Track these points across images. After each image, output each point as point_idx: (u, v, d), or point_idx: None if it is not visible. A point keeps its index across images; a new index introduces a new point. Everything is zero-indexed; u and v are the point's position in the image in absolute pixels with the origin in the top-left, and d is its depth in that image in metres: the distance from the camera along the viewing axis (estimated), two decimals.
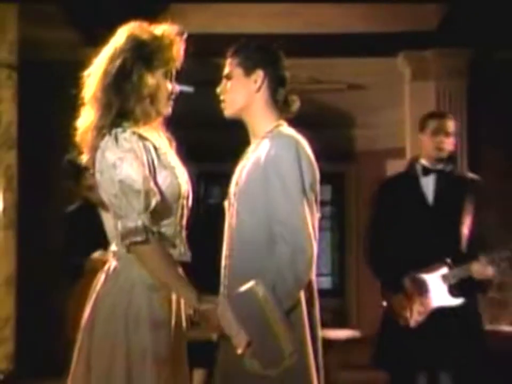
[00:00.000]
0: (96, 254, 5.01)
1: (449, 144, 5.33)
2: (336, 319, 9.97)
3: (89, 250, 5.14)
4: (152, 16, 9.55)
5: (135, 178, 3.13)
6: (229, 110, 3.51)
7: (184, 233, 3.37)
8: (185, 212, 3.37)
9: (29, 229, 7.78)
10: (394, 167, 12.63)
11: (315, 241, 3.28)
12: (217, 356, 3.41)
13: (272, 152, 3.30)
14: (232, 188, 3.49)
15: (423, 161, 5.35)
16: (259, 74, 3.44)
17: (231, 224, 3.44)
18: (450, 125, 5.38)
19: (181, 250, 3.34)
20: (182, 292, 3.20)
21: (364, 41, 9.78)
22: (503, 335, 6.11)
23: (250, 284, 3.16)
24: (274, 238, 3.24)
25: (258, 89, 3.45)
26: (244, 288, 3.17)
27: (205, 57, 8.85)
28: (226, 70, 3.51)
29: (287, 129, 3.45)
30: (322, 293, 12.93)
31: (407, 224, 5.27)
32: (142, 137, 3.25)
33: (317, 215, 3.40)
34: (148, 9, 9.09)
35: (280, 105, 3.49)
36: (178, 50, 3.37)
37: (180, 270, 3.29)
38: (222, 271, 3.45)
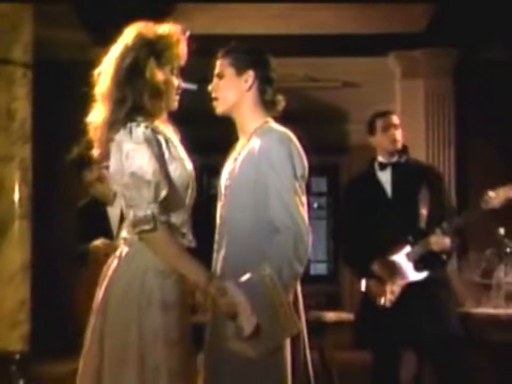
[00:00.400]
0: (97, 242, 5.00)
1: (399, 135, 5.40)
2: (330, 302, 9.96)
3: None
4: (159, 18, 9.55)
5: (146, 170, 3.13)
6: (220, 108, 3.51)
7: (190, 221, 3.37)
8: (191, 201, 3.37)
9: (42, 219, 7.79)
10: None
11: (309, 228, 3.30)
12: (206, 338, 3.42)
13: (265, 147, 3.32)
14: (224, 181, 3.50)
15: (380, 158, 5.43)
16: (250, 75, 3.45)
17: (222, 215, 3.45)
18: (395, 118, 5.46)
19: (189, 238, 3.34)
20: (192, 275, 3.18)
21: (357, 41, 9.80)
22: (487, 317, 6.10)
23: (257, 269, 3.16)
24: (274, 227, 3.25)
25: (249, 89, 3.45)
26: (251, 273, 3.16)
27: (208, 57, 8.88)
28: (217, 70, 3.52)
29: (276, 126, 3.46)
30: (318, 278, 12.98)
31: (371, 217, 5.32)
32: (154, 131, 3.25)
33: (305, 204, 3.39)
34: (154, 11, 9.11)
35: (268, 104, 3.49)
36: (183, 48, 3.38)
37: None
38: (214, 261, 3.45)
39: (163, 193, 3.15)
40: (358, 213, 5.41)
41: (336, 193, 14.06)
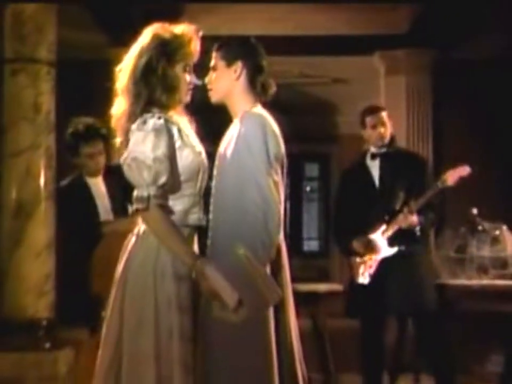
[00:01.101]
0: (114, 223, 4.91)
1: (387, 131, 5.44)
2: (322, 275, 10.01)
3: (90, 218, 5.00)
4: (168, 20, 9.53)
5: (147, 155, 3.17)
6: (214, 97, 3.51)
7: (202, 202, 3.40)
8: (203, 184, 3.40)
9: None
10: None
11: (281, 205, 3.28)
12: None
13: (242, 130, 3.32)
14: (216, 164, 3.50)
15: (372, 149, 5.47)
16: (238, 65, 3.44)
17: (212, 196, 3.47)
18: (384, 115, 5.49)
19: (200, 216, 3.37)
20: (180, 255, 3.22)
21: (346, 42, 9.80)
22: (461, 288, 6.13)
23: (233, 250, 3.15)
24: (246, 205, 3.22)
25: (238, 78, 3.45)
26: (229, 255, 3.16)
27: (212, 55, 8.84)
28: (212, 63, 3.53)
29: (257, 110, 3.44)
30: (310, 254, 13.01)
31: (360, 203, 5.36)
32: (167, 121, 3.29)
33: (282, 183, 3.37)
34: (164, 14, 9.08)
35: (258, 91, 3.47)
36: (195, 46, 3.42)
37: (184, 234, 3.31)
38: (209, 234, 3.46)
39: (162, 179, 3.18)
40: (349, 199, 5.45)
41: (327, 178, 14.10)
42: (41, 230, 6.98)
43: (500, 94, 9.79)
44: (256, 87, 3.48)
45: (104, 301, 4.36)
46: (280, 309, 3.35)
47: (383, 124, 5.44)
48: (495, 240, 6.42)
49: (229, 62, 3.47)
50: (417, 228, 5.24)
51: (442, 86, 10.11)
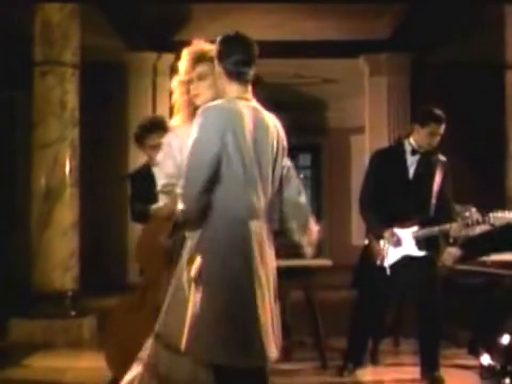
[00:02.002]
0: (160, 205, 4.84)
1: (437, 141, 5.16)
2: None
3: (149, 201, 4.96)
4: (178, 26, 9.51)
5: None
6: (200, 101, 3.47)
7: None
8: None
9: (88, 186, 7.79)
10: (357, 140, 12.72)
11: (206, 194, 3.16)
12: None
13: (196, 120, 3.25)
14: None
15: (413, 143, 5.14)
16: (217, 68, 3.32)
17: None
18: (443, 127, 5.14)
19: None
20: None
21: (334, 46, 9.81)
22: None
23: None
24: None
25: (219, 78, 3.33)
26: None
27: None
28: (196, 73, 3.48)
29: (219, 101, 3.29)
30: None
31: (392, 189, 5.12)
32: None
33: (236, 170, 3.19)
34: (173, 22, 9.09)
35: (235, 82, 3.30)
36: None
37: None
38: None
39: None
40: (382, 180, 5.16)
41: (318, 166, 14.11)
42: (67, 212, 7.00)
43: (470, 92, 9.79)
44: (233, 79, 3.32)
45: (142, 270, 4.40)
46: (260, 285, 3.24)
47: (439, 134, 5.13)
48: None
49: (211, 68, 3.42)
50: (451, 239, 5.05)
51: (419, 86, 10.10)
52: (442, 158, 5.24)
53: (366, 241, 5.24)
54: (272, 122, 3.36)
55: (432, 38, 9.07)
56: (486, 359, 3.96)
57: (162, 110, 9.55)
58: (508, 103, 6.93)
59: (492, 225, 4.81)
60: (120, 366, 3.76)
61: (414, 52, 9.82)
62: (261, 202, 3.25)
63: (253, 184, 3.22)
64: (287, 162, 3.53)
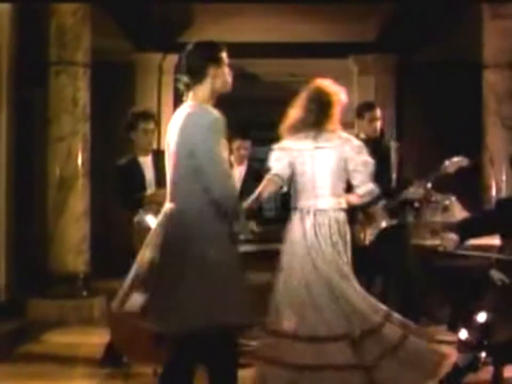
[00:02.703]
0: (150, 191, 4.86)
1: (379, 125, 5.30)
2: None
3: (139, 189, 4.95)
4: (182, 29, 9.49)
5: None
6: None
7: None
8: None
9: (98, 176, 7.80)
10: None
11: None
12: None
13: None
14: None
15: (362, 136, 5.24)
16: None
17: None
18: (378, 112, 5.31)
19: None
20: None
21: (325, 48, 9.80)
22: (417, 247, 6.10)
23: None
24: None
25: None
26: None
27: None
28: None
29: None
30: None
31: None
32: None
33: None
34: (178, 25, 9.09)
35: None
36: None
37: None
38: None
39: None
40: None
41: None
42: (79, 200, 7.03)
43: (450, 90, 9.81)
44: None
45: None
46: None
47: (378, 119, 5.29)
48: (446, 209, 6.43)
49: None
50: (416, 203, 5.17)
51: (404, 84, 10.14)
52: (393, 143, 5.38)
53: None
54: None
55: (415, 40, 9.09)
56: (463, 335, 3.99)
57: (166, 106, 9.60)
58: (485, 100, 6.94)
59: (448, 173, 4.84)
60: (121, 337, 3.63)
61: (399, 53, 9.82)
62: None
63: None
64: None
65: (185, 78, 3.27)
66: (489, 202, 6.51)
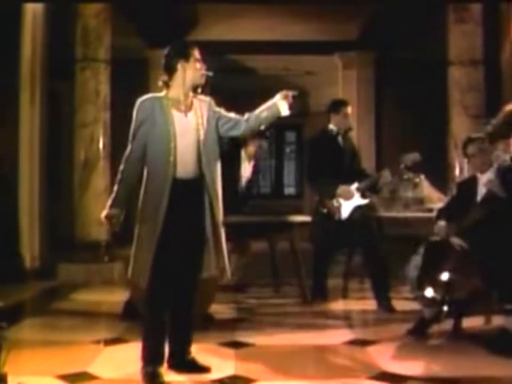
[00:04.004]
0: None
1: (350, 120, 5.44)
2: (297, 211, 10.10)
3: None
4: (188, 28, 9.41)
5: None
6: None
7: None
8: None
9: (117, 158, 7.82)
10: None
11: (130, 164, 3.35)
12: None
13: None
14: None
15: (334, 128, 5.34)
16: None
17: None
18: (350, 109, 5.40)
19: None
20: None
21: (314, 45, 9.78)
22: (392, 219, 6.17)
23: None
24: None
25: None
26: None
27: (220, 54, 8.82)
28: None
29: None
30: (289, 196, 12.88)
31: (333, 161, 5.27)
32: None
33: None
34: (185, 24, 9.06)
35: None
36: None
37: None
38: None
39: None
40: (324, 158, 5.28)
41: (301, 142, 14.15)
42: (101, 179, 7.07)
43: (422, 84, 9.79)
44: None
45: None
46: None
47: (349, 115, 5.39)
48: (416, 185, 6.47)
49: None
50: (380, 184, 5.22)
51: (383, 78, 10.13)
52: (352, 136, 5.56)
53: (323, 209, 5.29)
54: None
55: (392, 39, 9.09)
56: (429, 292, 4.07)
57: None
58: (451, 92, 6.98)
59: (406, 165, 4.98)
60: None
61: (378, 50, 9.81)
62: None
63: None
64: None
65: (164, 76, 3.35)
66: (452, 180, 6.57)
